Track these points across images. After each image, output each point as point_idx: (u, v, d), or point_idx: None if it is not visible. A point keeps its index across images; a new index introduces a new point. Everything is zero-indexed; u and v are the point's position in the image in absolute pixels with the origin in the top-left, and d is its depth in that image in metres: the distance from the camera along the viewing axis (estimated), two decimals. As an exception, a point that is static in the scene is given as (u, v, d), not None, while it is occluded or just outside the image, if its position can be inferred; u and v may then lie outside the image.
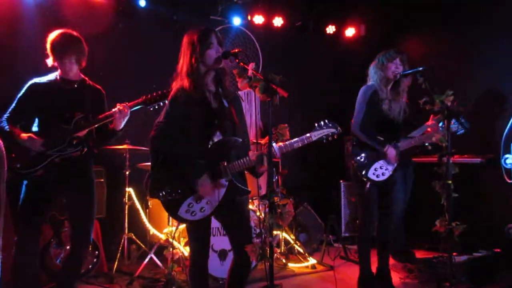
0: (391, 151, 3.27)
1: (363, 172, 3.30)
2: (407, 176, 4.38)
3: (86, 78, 3.01)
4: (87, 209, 2.94)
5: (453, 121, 3.14)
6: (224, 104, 2.52)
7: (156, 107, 2.81)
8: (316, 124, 2.43)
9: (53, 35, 2.87)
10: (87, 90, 2.95)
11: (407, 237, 4.50)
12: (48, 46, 2.87)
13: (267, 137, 2.22)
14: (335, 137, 2.42)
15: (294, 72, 5.63)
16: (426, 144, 3.35)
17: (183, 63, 2.50)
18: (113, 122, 2.83)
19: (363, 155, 3.32)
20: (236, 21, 5.45)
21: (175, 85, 2.53)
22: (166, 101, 2.76)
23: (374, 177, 3.30)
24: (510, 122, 4.07)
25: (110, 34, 4.63)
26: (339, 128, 2.41)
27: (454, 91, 2.95)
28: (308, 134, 2.40)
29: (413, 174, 4.44)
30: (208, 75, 2.51)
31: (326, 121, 2.41)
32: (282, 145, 2.37)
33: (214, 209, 2.44)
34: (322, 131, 2.40)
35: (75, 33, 2.92)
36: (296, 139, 2.39)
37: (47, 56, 2.90)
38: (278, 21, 5.70)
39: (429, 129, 3.44)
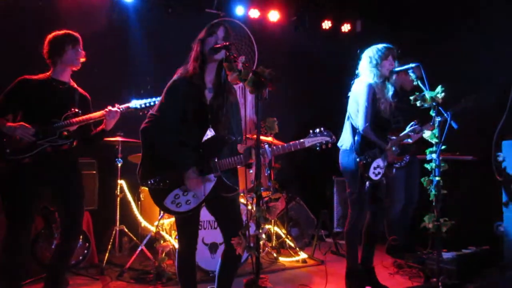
0: (391, 149, 3.27)
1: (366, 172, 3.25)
2: (411, 175, 4.30)
3: (74, 83, 3.07)
4: (76, 200, 2.97)
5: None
6: (220, 102, 2.51)
7: (146, 112, 2.82)
8: (311, 131, 2.41)
9: (51, 35, 2.93)
10: (76, 93, 3.04)
11: (410, 234, 4.44)
12: (45, 46, 2.92)
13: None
14: (329, 146, 2.40)
15: (290, 68, 5.63)
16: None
17: (193, 50, 2.53)
18: (103, 122, 2.97)
19: (366, 155, 3.25)
20: (232, 14, 5.43)
21: (179, 71, 2.54)
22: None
23: (373, 176, 3.25)
24: (502, 120, 4.08)
25: (104, 29, 4.59)
26: (333, 137, 2.40)
27: (448, 89, 2.95)
28: (301, 140, 2.40)
29: (419, 172, 4.34)
30: (207, 66, 2.51)
31: (322, 128, 2.40)
32: (274, 148, 2.38)
33: (199, 203, 2.45)
34: (316, 139, 2.39)
35: (75, 34, 2.98)
36: (289, 143, 2.40)
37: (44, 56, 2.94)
38: (274, 16, 5.68)
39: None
